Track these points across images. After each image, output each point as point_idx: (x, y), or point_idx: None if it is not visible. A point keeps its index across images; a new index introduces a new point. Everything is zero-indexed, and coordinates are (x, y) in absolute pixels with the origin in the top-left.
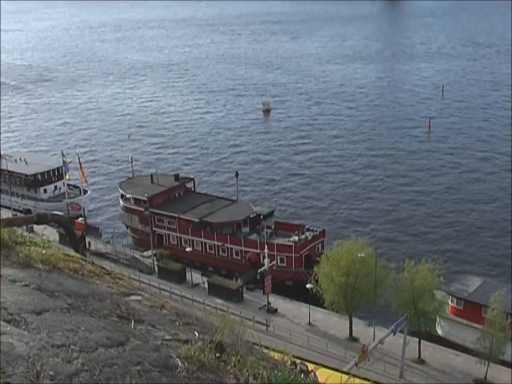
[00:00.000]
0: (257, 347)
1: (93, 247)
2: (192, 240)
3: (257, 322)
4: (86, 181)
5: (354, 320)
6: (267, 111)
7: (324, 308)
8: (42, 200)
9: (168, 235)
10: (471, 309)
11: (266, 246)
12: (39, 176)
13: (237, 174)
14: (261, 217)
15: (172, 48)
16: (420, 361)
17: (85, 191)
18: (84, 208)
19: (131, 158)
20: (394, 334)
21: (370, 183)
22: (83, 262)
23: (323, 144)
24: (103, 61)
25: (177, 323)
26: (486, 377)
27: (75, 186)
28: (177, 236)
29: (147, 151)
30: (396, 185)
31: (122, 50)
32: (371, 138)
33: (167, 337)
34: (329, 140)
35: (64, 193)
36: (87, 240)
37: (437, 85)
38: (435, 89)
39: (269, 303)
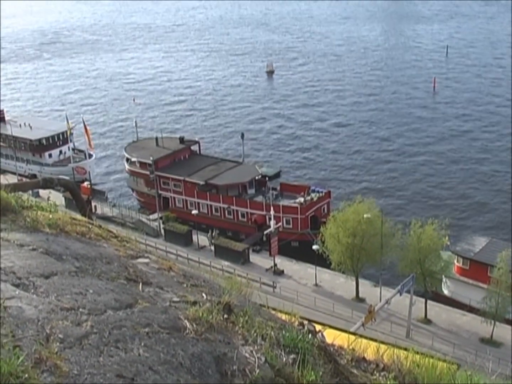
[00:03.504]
0: (264, 308)
1: (99, 211)
2: (198, 203)
3: (264, 283)
4: (91, 146)
5: (361, 280)
6: (270, 72)
7: (331, 269)
8: (47, 164)
9: (174, 198)
10: (477, 269)
11: (272, 208)
12: (44, 141)
13: (242, 136)
14: (267, 178)
15: (176, 11)
16: (427, 321)
17: (90, 155)
18: (89, 172)
19: (136, 121)
20: (400, 294)
21: (376, 144)
22: (90, 226)
23: (328, 105)
24: (107, 26)
25: (184, 285)
26: (492, 336)
27: (80, 150)
28: (183, 199)
29: (152, 114)
30: (401, 145)
31: (126, 14)
32: (376, 98)
33: (175, 299)
34: (333, 101)
35: (69, 157)
36: (93, 204)
37: (441, 44)
38: (440, 49)
39: (275, 265)
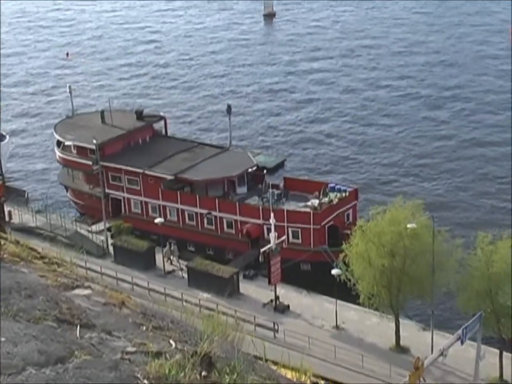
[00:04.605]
0: (261, 361)
1: (16, 220)
2: (164, 207)
3: (261, 325)
4: None
5: (403, 321)
6: (269, 16)
7: (358, 304)
8: None
9: (129, 199)
10: None
11: (272, 214)
12: None
13: (229, 109)
14: (265, 171)
15: None
16: (502, 381)
17: (2, 137)
18: (0, 162)
19: (71, 87)
20: (462, 343)
21: (421, 119)
22: (3, 242)
23: (351, 60)
24: None
25: (144, 328)
26: None
27: None
28: (141, 202)
29: (95, 75)
30: (460, 121)
31: None
32: (426, 55)
33: (129, 348)
34: (360, 55)
35: None
36: (6, 209)
37: None
38: None
39: (277, 298)
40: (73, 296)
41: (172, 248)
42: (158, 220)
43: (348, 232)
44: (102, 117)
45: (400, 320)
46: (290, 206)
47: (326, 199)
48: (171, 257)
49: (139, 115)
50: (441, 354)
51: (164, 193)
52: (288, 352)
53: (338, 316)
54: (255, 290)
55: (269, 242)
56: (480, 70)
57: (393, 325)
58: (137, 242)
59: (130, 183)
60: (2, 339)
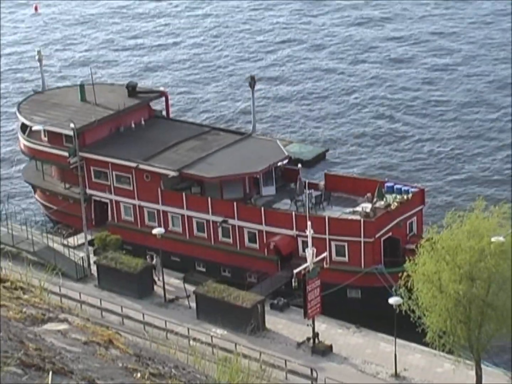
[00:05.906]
0: None
1: None
2: (165, 213)
3: (294, 372)
4: None
5: (486, 368)
6: None
7: (426, 344)
8: None
9: (118, 203)
10: None
11: (309, 223)
12: None
13: (253, 82)
14: (299, 166)
15: None
16: None
17: None
18: None
19: (40, 52)
20: None
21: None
22: None
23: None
24: None
25: (138, 375)
26: None
27: None
28: (134, 206)
29: (74, 38)
30: None
31: None
32: None
33: None
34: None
35: None
36: None
37: None
38: None
39: (316, 335)
40: (43, 333)
41: (154, 262)
42: (156, 230)
43: (412, 247)
44: (82, 93)
45: (483, 366)
46: (334, 212)
47: (382, 203)
48: (154, 274)
49: (132, 90)
50: None
51: (165, 195)
52: None
53: (398, 361)
54: (287, 325)
55: (305, 260)
56: None
57: (473, 373)
58: (128, 260)
59: (119, 181)
60: None
